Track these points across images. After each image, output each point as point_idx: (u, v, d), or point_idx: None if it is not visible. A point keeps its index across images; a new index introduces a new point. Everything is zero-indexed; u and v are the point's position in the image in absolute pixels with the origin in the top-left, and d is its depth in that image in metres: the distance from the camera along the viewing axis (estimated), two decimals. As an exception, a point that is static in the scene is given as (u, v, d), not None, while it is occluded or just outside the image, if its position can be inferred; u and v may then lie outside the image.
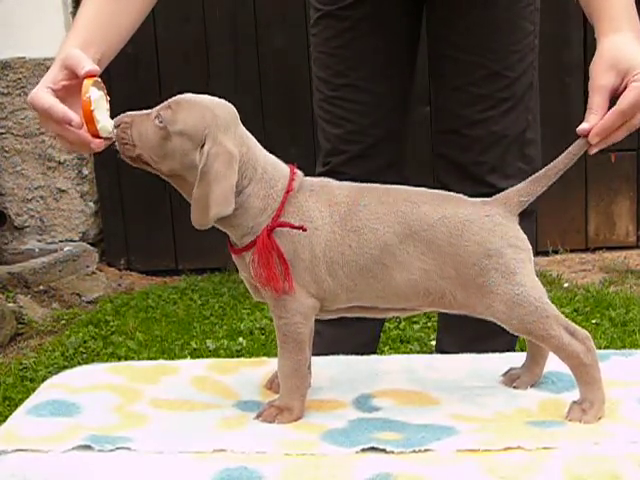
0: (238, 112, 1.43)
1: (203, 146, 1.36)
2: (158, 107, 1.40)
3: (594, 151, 1.44)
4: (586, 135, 1.42)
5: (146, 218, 4.13)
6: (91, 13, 1.58)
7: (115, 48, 1.60)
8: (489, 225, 1.39)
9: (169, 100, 1.41)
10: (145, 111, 1.41)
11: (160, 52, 4.08)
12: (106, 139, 1.44)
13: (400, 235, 1.39)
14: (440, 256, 1.38)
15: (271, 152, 1.46)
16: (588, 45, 1.55)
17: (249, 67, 4.05)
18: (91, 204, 4.20)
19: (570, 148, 1.43)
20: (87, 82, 1.44)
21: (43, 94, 1.46)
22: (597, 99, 1.45)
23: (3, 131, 4.08)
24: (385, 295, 1.41)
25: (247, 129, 1.44)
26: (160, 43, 4.08)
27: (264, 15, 3.99)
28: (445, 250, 1.38)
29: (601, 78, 1.45)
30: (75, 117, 1.44)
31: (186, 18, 4.06)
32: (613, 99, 1.46)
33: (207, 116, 1.38)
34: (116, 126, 1.41)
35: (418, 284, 1.40)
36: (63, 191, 4.16)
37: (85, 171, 4.15)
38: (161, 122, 1.38)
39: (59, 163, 4.12)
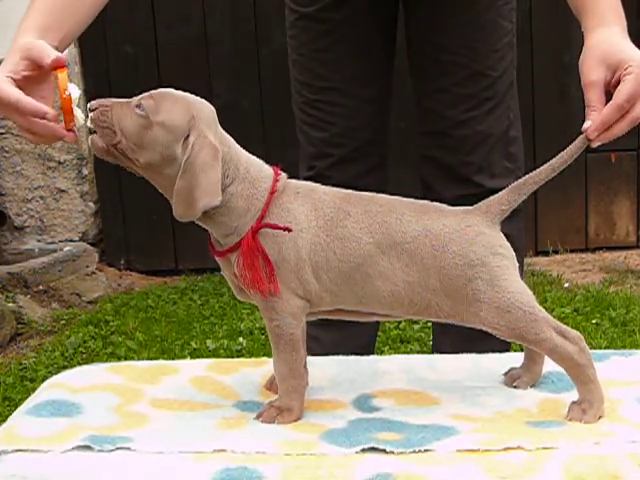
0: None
1: (187, 138, 1.35)
2: (138, 97, 1.39)
3: (596, 145, 1.44)
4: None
5: (146, 218, 4.13)
6: None
7: (73, 34, 1.56)
8: (471, 235, 1.39)
9: (151, 92, 1.39)
10: (123, 99, 1.39)
11: (160, 52, 4.08)
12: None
13: (383, 246, 1.39)
14: (424, 268, 1.38)
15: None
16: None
17: (249, 67, 4.06)
18: (91, 204, 4.20)
19: (553, 160, 1.42)
20: (62, 76, 1.40)
21: (6, 86, 1.42)
22: (593, 95, 1.45)
23: (3, 131, 4.08)
24: (368, 302, 1.41)
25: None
26: (160, 43, 4.08)
27: (264, 15, 3.99)
28: (428, 262, 1.38)
29: (592, 73, 1.46)
30: (49, 110, 1.41)
31: (186, 18, 4.06)
32: (607, 93, 1.47)
33: (192, 109, 1.37)
34: (93, 109, 1.38)
35: (402, 295, 1.39)
36: (63, 191, 4.16)
37: (85, 171, 4.15)
38: (142, 111, 1.36)
39: (59, 163, 4.11)
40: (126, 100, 1.39)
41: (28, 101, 1.42)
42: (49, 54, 1.43)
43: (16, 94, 1.42)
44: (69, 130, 1.42)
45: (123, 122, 1.36)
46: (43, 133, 1.45)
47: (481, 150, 2.04)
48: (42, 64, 1.43)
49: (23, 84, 1.44)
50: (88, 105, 1.38)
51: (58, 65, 1.42)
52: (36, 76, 1.45)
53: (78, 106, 1.41)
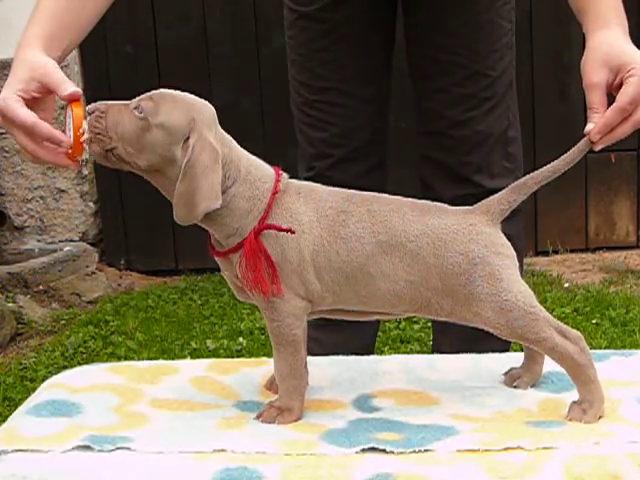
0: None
1: (187, 140, 1.34)
2: (137, 98, 1.38)
3: (599, 147, 1.44)
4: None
5: (146, 218, 4.13)
6: (52, 5, 1.53)
7: (76, 42, 1.57)
8: (472, 234, 1.39)
9: (150, 92, 1.38)
10: (122, 101, 1.38)
11: (160, 52, 4.08)
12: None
13: (385, 246, 1.39)
14: (425, 268, 1.38)
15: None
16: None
17: (249, 67, 4.06)
18: (91, 204, 4.20)
19: (555, 162, 1.42)
20: (78, 111, 1.39)
21: (19, 105, 1.42)
22: (595, 97, 1.45)
23: (3, 131, 4.08)
24: (370, 302, 1.41)
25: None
26: (160, 43, 4.08)
27: (264, 15, 3.99)
28: (430, 262, 1.38)
29: (594, 75, 1.46)
30: (64, 138, 1.40)
31: (186, 18, 4.06)
32: (609, 95, 1.47)
33: (191, 111, 1.36)
34: (89, 113, 1.37)
35: (403, 294, 1.39)
36: (63, 191, 4.16)
37: (85, 171, 4.15)
38: (141, 113, 1.35)
39: (59, 163, 4.12)
40: (124, 102, 1.38)
41: (45, 126, 1.41)
42: (66, 87, 1.42)
43: (32, 117, 1.41)
44: (74, 161, 1.42)
45: (120, 126, 1.36)
46: (46, 158, 1.45)
47: (480, 150, 2.04)
48: (57, 94, 1.44)
49: (29, 103, 1.44)
50: (87, 108, 1.38)
51: (73, 99, 1.42)
52: (41, 98, 1.46)
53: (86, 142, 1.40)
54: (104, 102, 1.39)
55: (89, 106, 1.38)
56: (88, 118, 1.37)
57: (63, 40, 1.52)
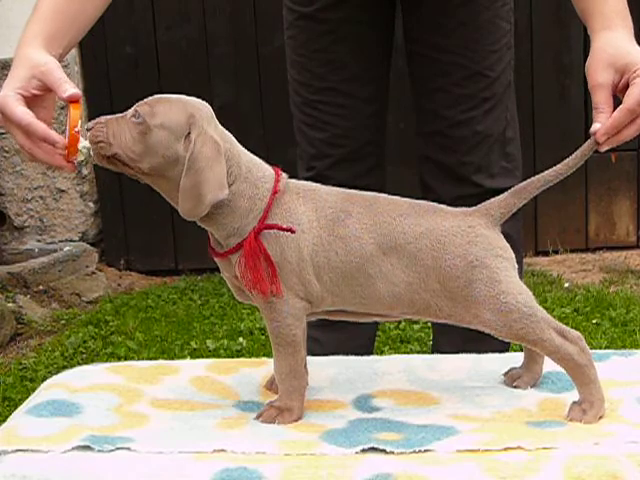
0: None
1: (188, 135, 1.35)
2: (133, 107, 1.39)
3: (604, 149, 1.44)
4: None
5: (146, 218, 4.13)
6: (52, 3, 1.53)
7: (76, 41, 1.58)
8: (471, 236, 1.39)
9: (144, 100, 1.39)
10: (119, 114, 1.39)
11: (160, 52, 4.08)
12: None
13: (384, 247, 1.39)
14: (424, 269, 1.38)
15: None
16: (588, 46, 1.57)
17: (249, 67, 4.06)
18: (91, 204, 4.20)
19: (558, 165, 1.42)
20: (75, 112, 1.40)
21: (17, 104, 1.43)
22: (600, 97, 1.45)
23: (3, 131, 4.08)
24: (369, 303, 1.41)
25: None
26: (160, 43, 4.08)
27: (264, 15, 3.99)
28: (428, 264, 1.38)
29: (599, 76, 1.46)
30: (59, 139, 1.41)
31: (186, 18, 4.06)
32: (614, 96, 1.47)
33: (189, 108, 1.37)
34: (89, 128, 1.38)
35: (402, 295, 1.39)
36: (63, 191, 4.16)
37: (85, 171, 4.15)
38: (139, 118, 1.36)
39: (59, 163, 4.11)
40: (121, 114, 1.39)
41: (40, 126, 1.42)
42: (66, 88, 1.43)
43: (28, 116, 1.42)
44: (69, 162, 1.43)
45: (120, 135, 1.36)
46: (43, 157, 1.45)
47: (479, 150, 2.04)
48: (57, 94, 1.44)
49: (29, 101, 1.45)
50: (86, 126, 1.39)
51: (73, 100, 1.42)
52: (42, 96, 1.46)
53: (82, 150, 1.41)
54: (103, 117, 1.40)
55: (88, 123, 1.39)
56: (88, 134, 1.38)
57: (64, 38, 1.53)
